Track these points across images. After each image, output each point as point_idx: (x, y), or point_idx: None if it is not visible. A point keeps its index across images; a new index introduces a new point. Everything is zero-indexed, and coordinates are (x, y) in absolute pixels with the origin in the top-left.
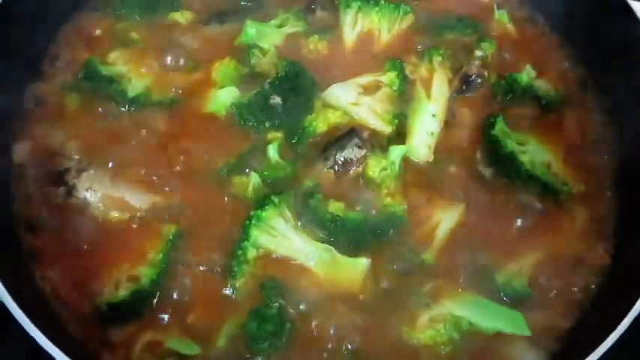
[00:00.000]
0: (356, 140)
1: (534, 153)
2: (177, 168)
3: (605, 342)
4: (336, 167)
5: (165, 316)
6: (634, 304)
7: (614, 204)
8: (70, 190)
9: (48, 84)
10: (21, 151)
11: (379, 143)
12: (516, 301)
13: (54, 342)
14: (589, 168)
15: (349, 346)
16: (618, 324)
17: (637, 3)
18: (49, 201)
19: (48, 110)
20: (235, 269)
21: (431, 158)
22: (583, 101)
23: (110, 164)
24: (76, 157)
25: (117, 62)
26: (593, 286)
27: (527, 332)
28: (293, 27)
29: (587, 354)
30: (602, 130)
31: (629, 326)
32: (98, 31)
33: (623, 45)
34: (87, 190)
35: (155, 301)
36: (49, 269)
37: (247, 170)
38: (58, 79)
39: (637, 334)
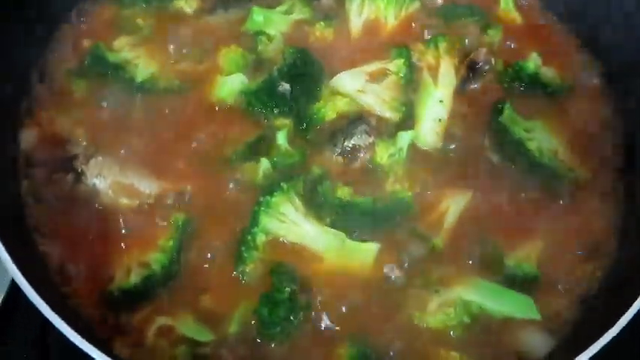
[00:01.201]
0: (364, 127)
1: (542, 140)
2: (186, 155)
3: (615, 326)
4: (344, 154)
5: (177, 302)
6: None
7: (621, 190)
8: (79, 177)
9: (55, 71)
10: (28, 137)
11: (387, 130)
12: (526, 286)
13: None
14: (595, 155)
15: (359, 331)
16: (628, 308)
17: None
18: (57, 188)
19: (55, 97)
20: (245, 255)
21: (439, 145)
22: (589, 89)
23: (119, 151)
24: (84, 143)
25: (123, 49)
26: (601, 271)
27: (536, 316)
28: (299, 14)
29: (597, 338)
30: (608, 117)
31: (638, 310)
32: (104, 18)
33: (629, 32)
34: (96, 176)
35: (166, 286)
36: (60, 256)
37: (256, 157)
38: (64, 65)
39: None
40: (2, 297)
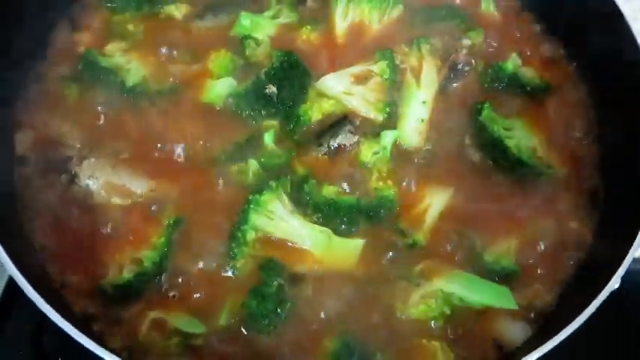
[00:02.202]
0: (349, 127)
1: (520, 138)
2: (177, 156)
3: (584, 313)
4: (329, 153)
5: (169, 297)
6: (610, 278)
7: (596, 185)
8: (73, 178)
9: (48, 75)
10: (23, 140)
11: (371, 130)
12: (505, 279)
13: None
14: (572, 152)
15: (344, 323)
16: (597, 294)
17: None
18: (51, 189)
19: (48, 100)
20: (235, 251)
21: (421, 143)
22: (567, 88)
23: (111, 152)
24: (77, 145)
25: (114, 54)
26: (576, 263)
27: (513, 306)
28: (286, 18)
29: (568, 324)
30: (584, 115)
31: (606, 300)
32: (95, 24)
33: (606, 33)
34: (89, 177)
35: (158, 282)
36: (55, 254)
37: (244, 158)
38: (57, 70)
39: (615, 307)
40: None
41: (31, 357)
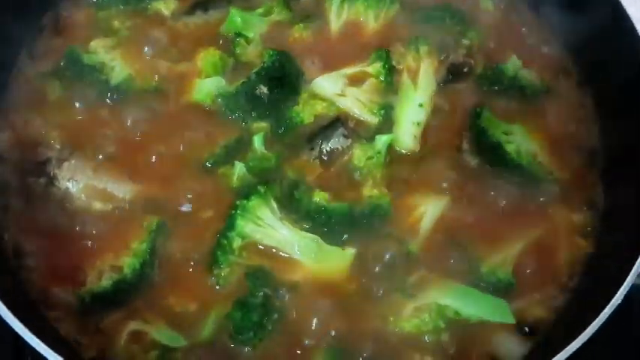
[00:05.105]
0: (342, 130)
1: (520, 142)
2: (162, 158)
3: (587, 330)
4: (322, 157)
5: (150, 307)
6: (615, 293)
7: (598, 193)
8: (51, 181)
9: (29, 72)
10: (1, 140)
11: (365, 133)
12: (501, 291)
13: (36, 334)
14: (573, 157)
15: (334, 336)
16: (600, 312)
17: None
18: (29, 192)
19: (29, 99)
20: (220, 259)
21: (417, 148)
22: (567, 91)
23: (93, 154)
24: (57, 146)
25: (99, 51)
26: (575, 275)
27: (511, 320)
28: (278, 15)
29: (570, 342)
30: (587, 119)
31: (610, 315)
32: (80, 19)
33: (607, 34)
34: (68, 180)
35: (139, 291)
36: (30, 260)
37: (233, 160)
38: (39, 67)
39: (618, 323)
40: None
41: None
